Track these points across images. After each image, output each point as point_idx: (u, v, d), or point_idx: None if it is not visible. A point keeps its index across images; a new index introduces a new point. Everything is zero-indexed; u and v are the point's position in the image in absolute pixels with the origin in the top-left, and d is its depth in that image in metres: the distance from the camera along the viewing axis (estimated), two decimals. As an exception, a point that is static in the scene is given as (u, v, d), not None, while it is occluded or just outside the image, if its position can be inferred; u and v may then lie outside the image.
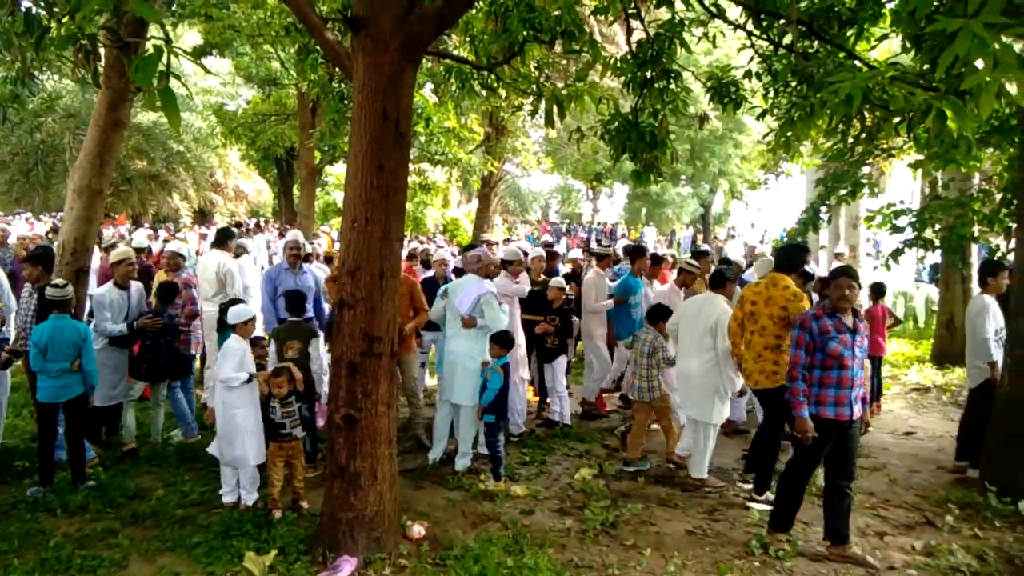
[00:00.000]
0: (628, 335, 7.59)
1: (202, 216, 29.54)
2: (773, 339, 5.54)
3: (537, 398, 8.13)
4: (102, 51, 5.55)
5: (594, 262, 9.20)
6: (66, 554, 4.45)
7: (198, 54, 21.15)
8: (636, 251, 8.46)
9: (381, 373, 4.34)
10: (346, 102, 9.09)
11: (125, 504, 5.27)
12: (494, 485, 5.79)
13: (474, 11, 6.77)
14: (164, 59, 2.33)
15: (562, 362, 7.61)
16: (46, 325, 5.36)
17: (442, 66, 8.62)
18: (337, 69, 8.92)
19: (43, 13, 3.16)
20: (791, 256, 5.87)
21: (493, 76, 6.75)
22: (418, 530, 4.83)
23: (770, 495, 5.50)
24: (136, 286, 6.66)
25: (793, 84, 5.49)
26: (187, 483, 5.69)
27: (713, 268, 7.54)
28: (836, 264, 8.69)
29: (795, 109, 5.19)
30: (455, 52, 8.59)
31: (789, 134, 5.76)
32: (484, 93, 8.06)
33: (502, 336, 6.04)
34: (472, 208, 28.95)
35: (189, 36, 22.53)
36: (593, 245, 20.14)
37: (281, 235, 18.79)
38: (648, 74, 6.01)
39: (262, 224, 27.28)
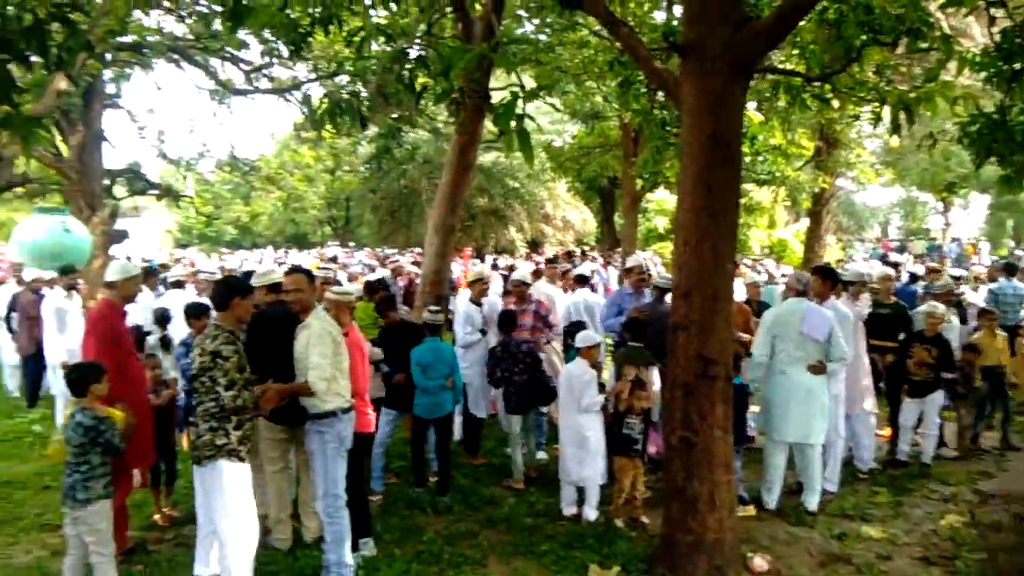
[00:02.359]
0: None
1: (533, 245, 31.69)
2: None
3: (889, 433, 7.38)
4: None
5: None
6: (437, 549, 5.05)
7: (529, 97, 22.93)
8: None
9: (717, 396, 4.30)
10: (668, 128, 9.21)
11: (482, 509, 5.84)
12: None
13: (803, 21, 6.49)
14: (519, 104, 2.61)
15: (936, 399, 6.81)
16: (425, 346, 6.03)
17: (767, 81, 8.37)
18: (658, 97, 9.10)
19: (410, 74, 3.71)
20: None
21: (828, 86, 6.39)
22: (760, 563, 4.68)
23: None
24: (489, 302, 7.40)
25: None
26: (533, 494, 6.13)
27: None
28: None
29: None
30: (782, 65, 8.28)
31: None
32: (815, 105, 7.65)
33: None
34: (800, 227, 27.37)
35: (524, 81, 24.46)
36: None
37: (606, 262, 19.44)
38: (1017, 66, 5.26)
39: (587, 252, 28.52)
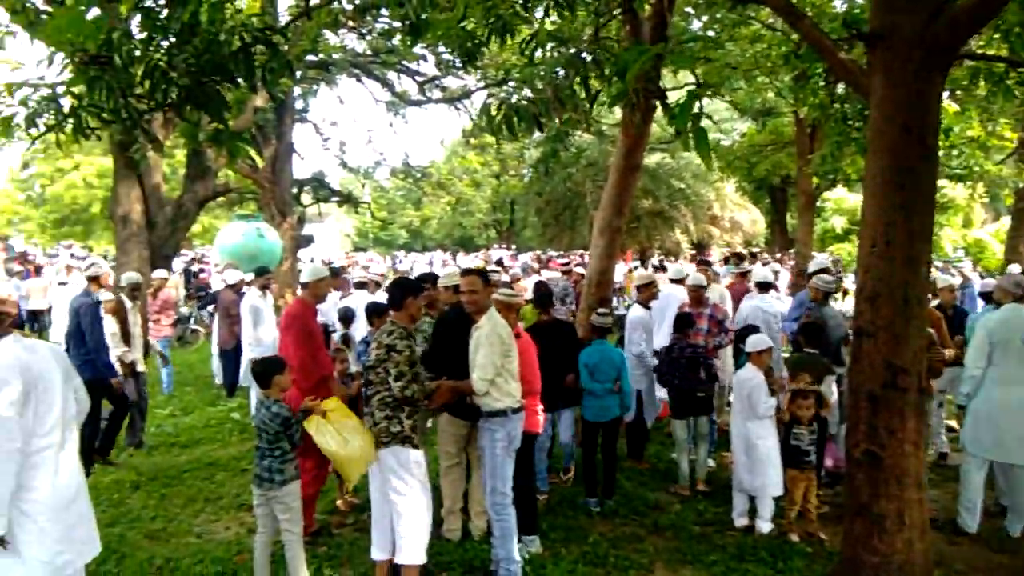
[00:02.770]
0: None
1: (699, 248, 30.92)
2: None
3: None
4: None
5: None
6: (602, 551, 5.04)
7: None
8: None
9: (907, 409, 4.00)
10: (850, 123, 8.68)
11: (647, 514, 5.77)
12: None
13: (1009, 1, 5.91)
14: (697, 103, 2.56)
15: None
16: (593, 349, 6.05)
17: (964, 68, 7.70)
18: (839, 90, 8.59)
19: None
20: None
21: (1037, 71, 5.79)
22: (956, 589, 4.31)
23: None
24: (658, 307, 7.30)
25: None
26: (701, 502, 5.99)
27: None
28: None
29: None
30: (982, 50, 7.58)
31: None
32: (1021, 93, 6.97)
33: None
34: (1001, 226, 24.92)
35: (688, 78, 23.93)
36: None
37: (780, 264, 18.62)
38: None
39: (756, 254, 27.41)
